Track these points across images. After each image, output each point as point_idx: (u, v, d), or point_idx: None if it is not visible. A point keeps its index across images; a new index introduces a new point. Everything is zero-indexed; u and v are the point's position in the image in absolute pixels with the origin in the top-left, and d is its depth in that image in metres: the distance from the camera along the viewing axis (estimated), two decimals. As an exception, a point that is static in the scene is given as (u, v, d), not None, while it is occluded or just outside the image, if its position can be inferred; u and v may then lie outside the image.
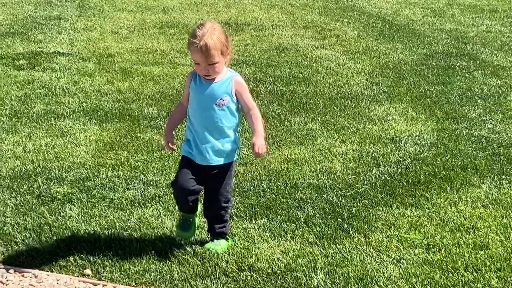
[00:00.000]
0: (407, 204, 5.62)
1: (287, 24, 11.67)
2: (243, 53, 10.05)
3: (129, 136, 6.98)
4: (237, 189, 5.85)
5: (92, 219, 5.40)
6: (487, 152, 6.63)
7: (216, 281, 4.60)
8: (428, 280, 4.58)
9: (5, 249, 5.02)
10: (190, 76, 4.51)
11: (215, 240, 4.70)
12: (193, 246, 4.98)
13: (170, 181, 4.80)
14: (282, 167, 6.30)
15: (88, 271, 4.73)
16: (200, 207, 4.78)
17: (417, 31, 11.06)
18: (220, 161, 4.43)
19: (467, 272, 4.66)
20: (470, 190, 5.87)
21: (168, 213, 5.45)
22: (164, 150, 4.46)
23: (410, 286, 4.52)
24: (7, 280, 4.70)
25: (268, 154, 4.49)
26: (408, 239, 5.08)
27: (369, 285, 4.53)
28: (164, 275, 4.67)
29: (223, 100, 4.31)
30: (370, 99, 8.02)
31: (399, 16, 11.95)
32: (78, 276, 4.73)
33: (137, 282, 4.60)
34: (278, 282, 4.57)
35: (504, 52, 10.04)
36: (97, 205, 5.63)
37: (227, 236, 4.77)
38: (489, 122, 7.39)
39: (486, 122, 7.40)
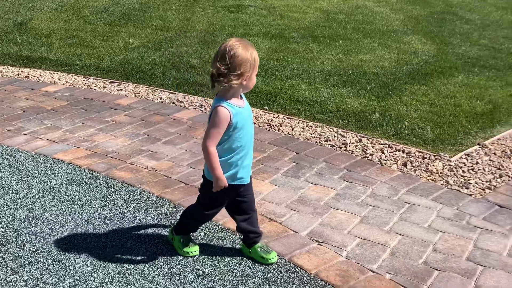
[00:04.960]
0: (421, 83, 5.56)
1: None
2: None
3: (282, 47, 6.94)
4: (345, 81, 5.80)
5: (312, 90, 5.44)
6: (462, 60, 6.38)
7: (324, 114, 4.73)
8: (429, 119, 4.63)
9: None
10: (227, 117, 2.41)
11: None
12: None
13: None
14: (359, 64, 6.16)
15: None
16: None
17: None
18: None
19: (450, 117, 4.71)
20: (452, 78, 5.73)
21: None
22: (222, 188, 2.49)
23: (420, 121, 4.58)
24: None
25: None
26: (421, 100, 5.09)
27: (401, 120, 4.61)
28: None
29: None
30: (402, 32, 7.72)
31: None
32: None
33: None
34: (356, 117, 4.67)
35: (471, 12, 9.29)
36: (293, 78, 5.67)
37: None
38: (463, 46, 7.05)
39: (462, 46, 7.06)
